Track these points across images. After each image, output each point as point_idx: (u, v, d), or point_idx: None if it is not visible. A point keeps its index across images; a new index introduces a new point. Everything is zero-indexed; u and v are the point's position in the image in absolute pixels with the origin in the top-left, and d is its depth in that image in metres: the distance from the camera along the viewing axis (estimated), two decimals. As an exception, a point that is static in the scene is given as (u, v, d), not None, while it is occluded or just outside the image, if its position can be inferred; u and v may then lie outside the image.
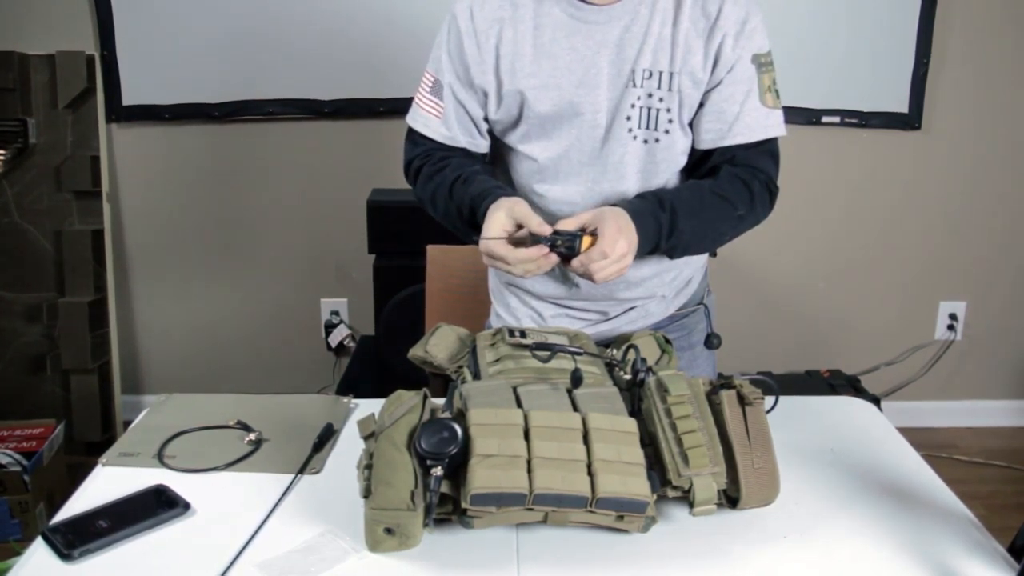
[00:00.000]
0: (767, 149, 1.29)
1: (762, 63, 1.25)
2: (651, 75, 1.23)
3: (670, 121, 1.25)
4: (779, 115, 1.28)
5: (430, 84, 1.32)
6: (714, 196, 1.25)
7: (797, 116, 2.67)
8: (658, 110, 1.24)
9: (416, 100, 1.34)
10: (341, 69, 2.63)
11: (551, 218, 1.22)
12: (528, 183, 1.32)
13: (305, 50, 2.60)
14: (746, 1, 1.23)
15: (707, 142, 1.28)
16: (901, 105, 2.69)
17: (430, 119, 1.32)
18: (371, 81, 2.62)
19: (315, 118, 2.69)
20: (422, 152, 1.35)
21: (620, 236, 1.14)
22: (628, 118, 1.25)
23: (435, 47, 1.32)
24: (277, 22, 2.58)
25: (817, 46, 2.62)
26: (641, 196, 1.25)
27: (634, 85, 1.23)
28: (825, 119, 2.70)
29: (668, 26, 1.22)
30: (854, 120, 2.70)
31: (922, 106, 2.69)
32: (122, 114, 2.66)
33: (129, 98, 2.65)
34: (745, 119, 1.25)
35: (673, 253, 1.26)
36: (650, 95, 1.24)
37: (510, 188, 1.32)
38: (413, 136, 1.36)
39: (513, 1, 1.25)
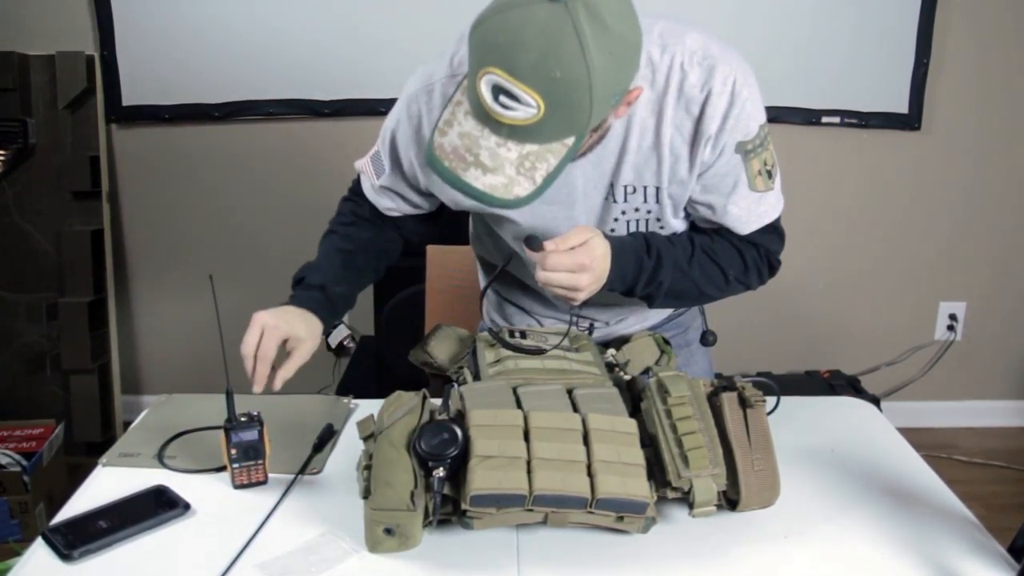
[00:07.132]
0: (768, 227, 1.22)
1: (748, 150, 1.12)
2: (635, 190, 1.15)
3: (660, 225, 1.19)
4: (772, 196, 1.19)
5: (372, 154, 1.28)
6: (705, 256, 1.18)
7: (797, 116, 2.67)
8: (646, 220, 1.18)
9: (365, 161, 1.30)
10: (341, 69, 2.62)
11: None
12: (515, 241, 1.25)
13: (305, 50, 2.60)
14: (731, 73, 1.08)
15: (702, 223, 1.22)
16: (901, 105, 2.69)
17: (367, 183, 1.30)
18: (371, 81, 2.62)
19: (315, 118, 2.69)
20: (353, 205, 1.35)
21: (579, 234, 1.05)
22: (612, 230, 1.18)
23: (388, 119, 1.23)
24: (276, 22, 2.58)
25: (817, 46, 2.62)
26: (632, 235, 1.17)
27: (615, 201, 1.16)
28: (825, 119, 2.70)
29: (649, 139, 1.11)
30: (854, 120, 2.70)
31: (922, 106, 2.69)
32: (122, 114, 2.66)
33: (129, 98, 2.64)
34: (732, 211, 1.17)
35: (651, 302, 1.18)
36: (636, 209, 1.16)
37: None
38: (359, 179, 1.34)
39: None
